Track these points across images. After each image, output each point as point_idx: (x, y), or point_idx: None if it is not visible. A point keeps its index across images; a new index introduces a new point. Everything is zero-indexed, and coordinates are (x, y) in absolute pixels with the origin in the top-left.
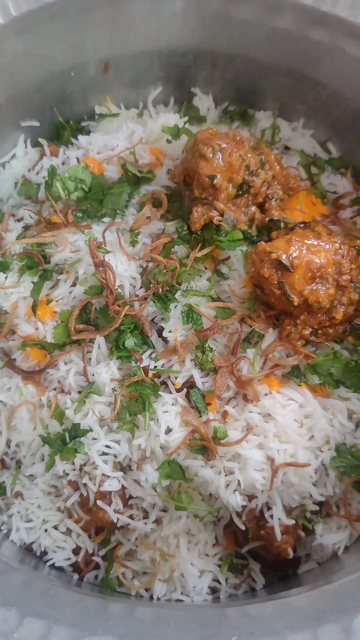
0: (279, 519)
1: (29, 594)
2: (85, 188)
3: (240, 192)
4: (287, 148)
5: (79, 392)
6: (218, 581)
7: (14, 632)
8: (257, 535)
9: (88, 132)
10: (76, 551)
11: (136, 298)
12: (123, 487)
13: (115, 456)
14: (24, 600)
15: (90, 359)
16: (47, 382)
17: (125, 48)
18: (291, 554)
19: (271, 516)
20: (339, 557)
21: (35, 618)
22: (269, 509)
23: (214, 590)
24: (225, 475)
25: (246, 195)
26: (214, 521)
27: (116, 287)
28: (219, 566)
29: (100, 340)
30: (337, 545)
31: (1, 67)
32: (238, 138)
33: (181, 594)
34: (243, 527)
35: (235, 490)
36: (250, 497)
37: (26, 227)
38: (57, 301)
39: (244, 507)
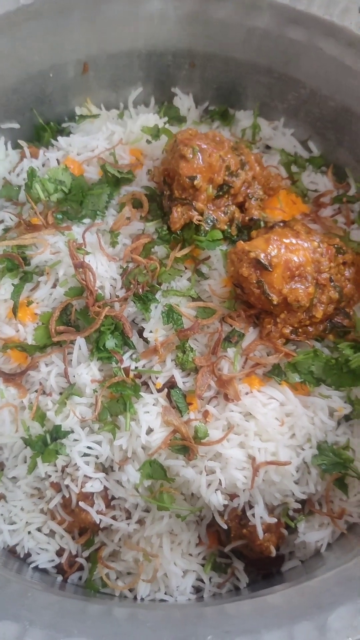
0: (261, 517)
1: (4, 596)
2: (65, 189)
3: (220, 193)
4: (267, 147)
5: (60, 394)
6: (202, 580)
7: None
8: (239, 534)
9: (68, 134)
10: (60, 553)
11: (116, 299)
12: (105, 488)
13: (97, 457)
14: None
15: (71, 360)
16: (29, 384)
17: (104, 48)
18: (274, 552)
19: (253, 515)
20: (321, 554)
21: (10, 621)
22: (251, 507)
23: (197, 590)
24: (207, 475)
25: (226, 196)
26: (196, 520)
27: (96, 288)
28: (203, 565)
29: (80, 341)
30: (320, 542)
31: None
32: (218, 139)
33: (165, 594)
34: (225, 526)
35: (216, 490)
36: (232, 496)
37: (6, 230)
38: (37, 303)
39: (225, 506)
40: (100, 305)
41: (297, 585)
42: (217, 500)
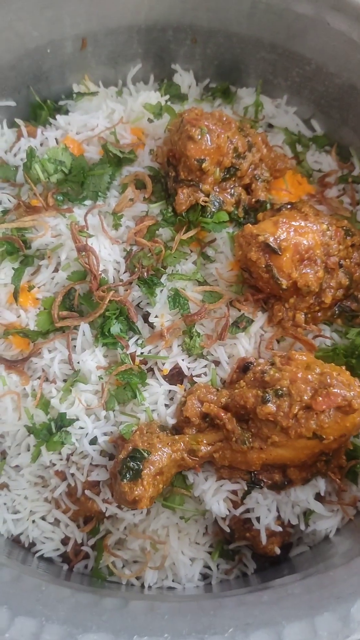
0: (267, 523)
1: (19, 591)
2: (65, 170)
3: (227, 175)
4: (270, 126)
5: (64, 381)
6: (209, 567)
7: (5, 632)
8: (242, 536)
9: (66, 112)
10: (65, 541)
11: (121, 283)
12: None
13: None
14: (14, 598)
15: (75, 346)
16: (31, 370)
17: (103, 23)
18: (278, 552)
19: (258, 519)
20: (330, 539)
21: (27, 616)
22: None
23: (205, 577)
24: (216, 480)
25: (233, 178)
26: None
27: (100, 272)
28: (210, 553)
29: (84, 327)
30: (329, 529)
31: None
32: (224, 119)
33: (172, 581)
34: (228, 530)
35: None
36: (236, 504)
37: (5, 212)
38: (39, 287)
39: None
40: (104, 290)
41: (315, 576)
42: (219, 509)
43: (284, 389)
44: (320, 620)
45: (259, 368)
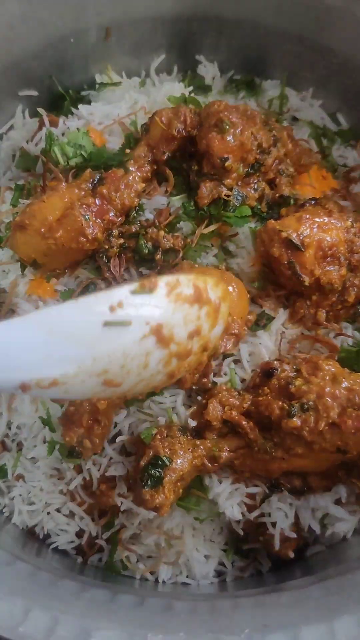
0: (282, 528)
1: (34, 585)
2: (85, 154)
3: (251, 171)
4: (294, 119)
5: None
6: (224, 564)
7: (20, 625)
8: (256, 539)
9: (88, 102)
10: (79, 534)
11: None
12: (128, 471)
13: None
14: (29, 592)
15: None
16: None
17: (128, 13)
18: (292, 556)
19: (273, 524)
20: (348, 540)
21: (42, 611)
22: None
23: (219, 574)
24: (231, 483)
25: (257, 174)
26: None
27: None
28: (225, 551)
29: None
30: (347, 531)
31: None
32: (249, 112)
33: (187, 577)
34: (241, 533)
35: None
36: (250, 508)
37: (19, 188)
38: (57, 279)
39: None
40: None
41: (334, 578)
42: (233, 513)
43: (311, 403)
44: (339, 623)
45: (284, 375)
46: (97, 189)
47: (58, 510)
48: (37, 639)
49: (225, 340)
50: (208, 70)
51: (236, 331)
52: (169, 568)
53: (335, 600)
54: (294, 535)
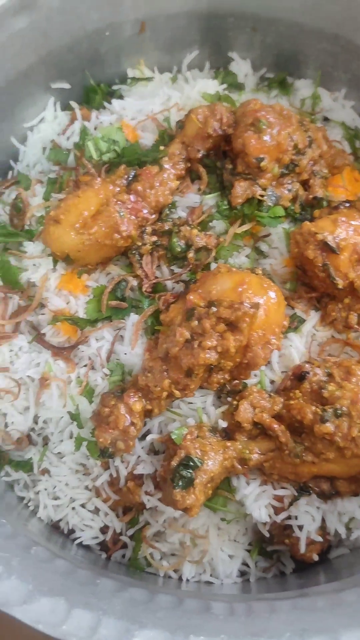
0: (308, 531)
1: (74, 583)
2: (118, 150)
3: (286, 172)
4: (326, 119)
5: (111, 371)
6: (247, 564)
7: (63, 623)
8: (281, 541)
9: (120, 96)
10: (104, 530)
11: (170, 277)
12: (156, 470)
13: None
14: (70, 589)
15: (122, 336)
16: (77, 358)
17: (164, 7)
18: (316, 559)
19: (300, 527)
20: None
21: (84, 609)
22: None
23: (243, 574)
24: (259, 485)
25: (291, 174)
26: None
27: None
28: (249, 551)
29: (134, 317)
30: None
31: (35, 25)
32: (285, 113)
33: (210, 575)
34: (267, 535)
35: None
36: (278, 510)
37: (52, 182)
38: (88, 274)
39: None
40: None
41: None
42: (260, 515)
43: (344, 408)
44: None
45: (316, 379)
46: (132, 185)
47: (83, 506)
48: (81, 637)
49: (263, 351)
50: (241, 67)
51: (274, 341)
52: (192, 566)
53: None
54: (320, 539)
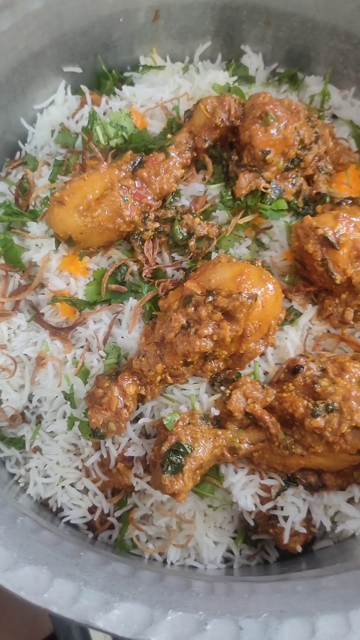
0: (293, 522)
1: (59, 554)
2: (126, 135)
3: (291, 166)
4: (334, 117)
5: (107, 353)
6: (231, 551)
7: (45, 592)
8: (266, 530)
9: (131, 83)
10: (92, 510)
11: (171, 264)
12: (146, 453)
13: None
14: (54, 560)
15: (120, 320)
16: (74, 339)
17: None
18: (299, 550)
19: (285, 518)
20: (357, 537)
21: (66, 579)
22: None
23: (227, 560)
24: (247, 474)
25: (296, 169)
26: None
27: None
28: (234, 538)
29: (132, 302)
30: (357, 529)
31: (50, 7)
32: (293, 107)
33: (195, 560)
34: (252, 524)
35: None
36: (264, 500)
37: (59, 163)
38: (90, 257)
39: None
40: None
41: (351, 571)
42: (246, 504)
43: (335, 404)
44: (355, 615)
45: (310, 373)
46: (138, 171)
47: (72, 485)
48: (61, 606)
49: (260, 343)
50: (252, 61)
51: (272, 334)
52: (177, 550)
53: (352, 592)
54: (304, 530)
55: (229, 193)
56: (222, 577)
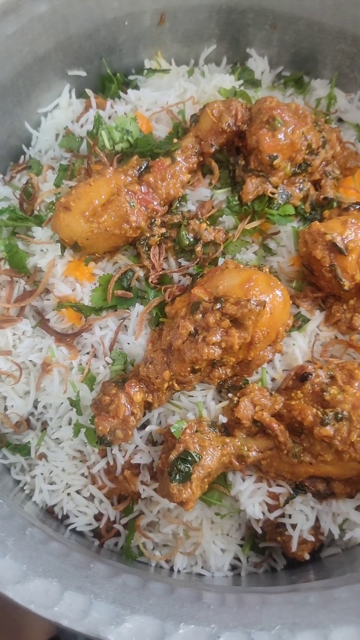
0: (301, 530)
1: (68, 566)
2: (131, 140)
3: (298, 171)
4: (340, 120)
5: (113, 359)
6: (239, 559)
7: (55, 605)
8: (274, 538)
9: (136, 86)
10: (98, 517)
11: (177, 269)
12: (152, 460)
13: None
14: (64, 572)
15: (126, 326)
16: (80, 345)
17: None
18: (307, 557)
19: (292, 526)
20: None
21: (76, 592)
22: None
23: (234, 567)
24: (254, 482)
25: (303, 174)
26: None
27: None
28: (241, 546)
29: (139, 308)
30: None
31: (56, 10)
32: (301, 112)
33: (202, 568)
34: (260, 532)
35: (257, 502)
36: (272, 508)
37: (64, 168)
38: (96, 263)
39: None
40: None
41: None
42: (254, 512)
43: (345, 412)
44: None
45: (318, 380)
46: (144, 176)
47: (78, 492)
48: (72, 619)
49: (268, 350)
50: (258, 64)
51: (279, 341)
52: (184, 558)
53: None
54: (311, 538)
55: (236, 198)
56: (231, 588)
